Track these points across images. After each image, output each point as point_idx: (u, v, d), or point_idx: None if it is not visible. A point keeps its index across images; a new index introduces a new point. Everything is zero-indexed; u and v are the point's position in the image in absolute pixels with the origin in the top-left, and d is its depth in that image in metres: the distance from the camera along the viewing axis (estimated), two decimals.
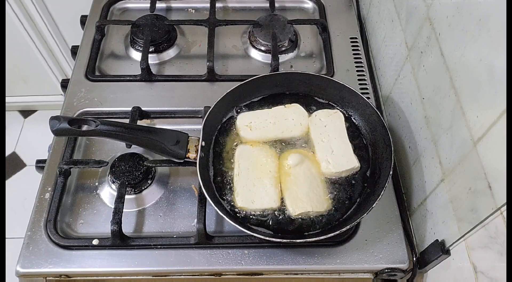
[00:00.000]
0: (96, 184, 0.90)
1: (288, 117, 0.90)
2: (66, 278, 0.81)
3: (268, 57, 1.09)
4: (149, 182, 0.89)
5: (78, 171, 0.92)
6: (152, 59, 1.09)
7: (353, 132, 0.90)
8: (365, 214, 0.74)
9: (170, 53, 1.13)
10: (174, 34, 1.15)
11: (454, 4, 0.69)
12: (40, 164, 0.94)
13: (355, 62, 1.09)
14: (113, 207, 0.82)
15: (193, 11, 1.23)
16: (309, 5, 1.25)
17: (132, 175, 0.88)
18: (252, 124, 0.90)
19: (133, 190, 0.88)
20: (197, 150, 0.82)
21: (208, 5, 1.18)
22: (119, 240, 0.81)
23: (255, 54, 1.12)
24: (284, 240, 0.76)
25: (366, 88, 1.04)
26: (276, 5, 1.20)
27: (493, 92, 0.57)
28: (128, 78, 1.05)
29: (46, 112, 1.60)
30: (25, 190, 1.96)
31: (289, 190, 0.82)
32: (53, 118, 0.78)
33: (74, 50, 1.14)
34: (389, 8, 1.00)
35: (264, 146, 0.88)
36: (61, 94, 1.82)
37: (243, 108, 0.93)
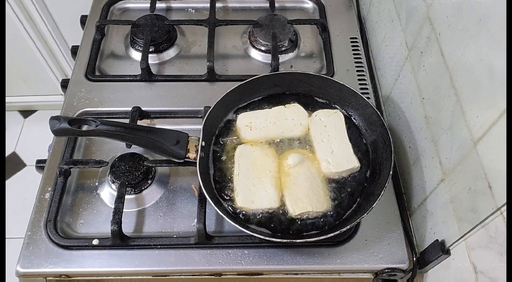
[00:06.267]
0: (96, 184, 0.90)
1: (288, 117, 0.90)
2: (66, 278, 0.81)
3: (268, 57, 1.09)
4: (149, 182, 0.89)
5: (78, 171, 0.92)
6: (152, 59, 1.09)
7: (353, 132, 0.90)
8: (365, 214, 0.74)
9: (170, 53, 1.13)
10: (174, 34, 1.15)
11: (454, 4, 0.69)
12: (40, 164, 0.94)
13: (355, 62, 1.09)
14: (113, 207, 0.82)
15: (193, 11, 1.23)
16: (309, 5, 1.25)
17: (132, 175, 0.88)
18: (252, 124, 0.90)
19: (133, 190, 0.88)
20: (197, 150, 0.82)
21: (208, 5, 1.18)
22: (119, 240, 0.81)
23: (255, 54, 1.12)
24: (284, 240, 0.76)
25: (366, 88, 1.04)
26: (276, 5, 1.20)
27: (493, 92, 0.57)
28: (128, 78, 1.05)
29: (46, 112, 1.60)
30: (25, 190, 1.96)
31: (289, 190, 0.82)
32: (53, 118, 0.78)
33: (74, 50, 1.14)
34: (389, 8, 1.00)
35: (264, 146, 0.88)
36: (61, 94, 1.82)
37: (243, 108, 0.93)
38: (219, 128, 0.91)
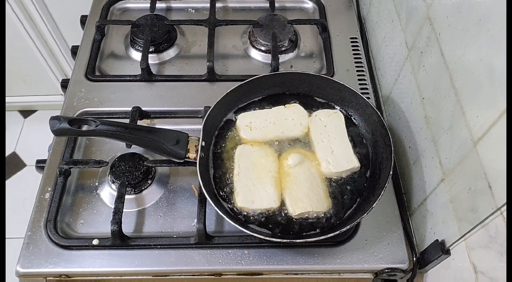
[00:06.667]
0: (96, 184, 0.90)
1: (288, 117, 0.90)
2: (66, 278, 0.81)
3: (268, 57, 1.09)
4: (149, 182, 0.89)
5: (78, 171, 0.92)
6: (152, 59, 1.09)
7: (353, 132, 0.90)
8: (365, 214, 0.74)
9: (170, 53, 1.13)
10: (174, 34, 1.15)
11: (454, 4, 0.69)
12: (40, 164, 0.94)
13: (355, 62, 1.09)
14: (113, 207, 0.82)
15: (193, 11, 1.23)
16: (309, 5, 1.25)
17: (132, 175, 0.88)
18: (252, 124, 0.90)
19: (133, 190, 0.88)
20: (197, 150, 0.82)
21: (208, 5, 1.18)
22: (119, 240, 0.81)
23: (255, 54, 1.12)
24: (284, 240, 0.76)
25: (366, 88, 1.04)
26: (276, 5, 1.20)
27: (493, 92, 0.57)
28: (128, 78, 1.05)
29: (46, 112, 1.60)
30: (25, 190, 1.96)
31: (289, 190, 0.82)
32: (53, 118, 0.78)
33: (74, 50, 1.14)
34: (389, 8, 1.00)
35: (264, 146, 0.88)
36: (61, 94, 1.82)
37: (243, 108, 0.93)
38: (219, 128, 0.91)
